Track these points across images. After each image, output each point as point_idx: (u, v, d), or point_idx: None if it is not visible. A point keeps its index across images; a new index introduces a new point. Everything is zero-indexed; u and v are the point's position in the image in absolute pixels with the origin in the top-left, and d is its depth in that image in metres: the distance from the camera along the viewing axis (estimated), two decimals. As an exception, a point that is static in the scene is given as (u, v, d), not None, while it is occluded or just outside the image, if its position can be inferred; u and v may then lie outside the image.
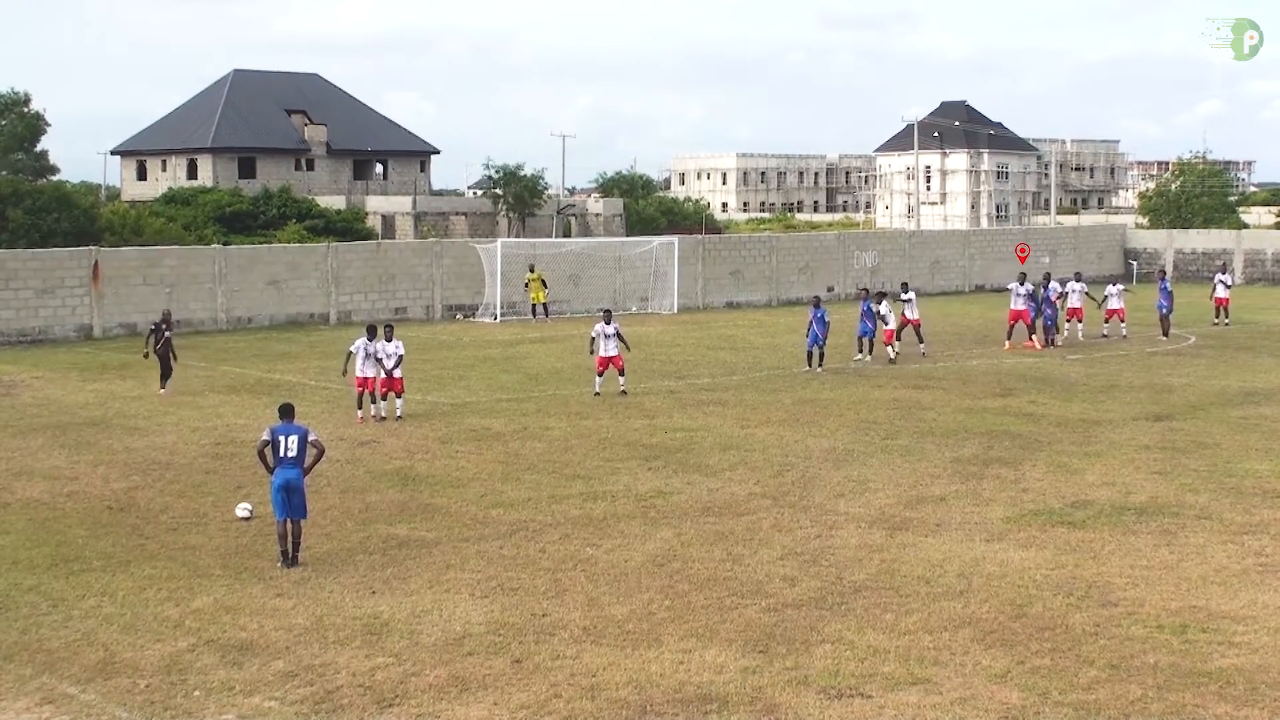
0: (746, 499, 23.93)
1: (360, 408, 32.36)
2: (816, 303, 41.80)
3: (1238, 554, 20.37)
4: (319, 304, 56.14)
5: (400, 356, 32.32)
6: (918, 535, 21.37)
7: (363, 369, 32.10)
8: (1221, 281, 53.56)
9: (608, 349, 35.57)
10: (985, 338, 49.03)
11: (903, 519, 22.43)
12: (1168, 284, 49.83)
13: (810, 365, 40.38)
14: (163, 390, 36.41)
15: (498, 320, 57.02)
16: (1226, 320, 53.51)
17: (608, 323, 35.94)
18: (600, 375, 35.85)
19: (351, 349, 32.48)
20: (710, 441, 29.20)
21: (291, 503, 19.87)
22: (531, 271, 57.79)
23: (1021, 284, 46.89)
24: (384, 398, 32.14)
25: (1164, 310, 48.98)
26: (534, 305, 57.62)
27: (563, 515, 22.80)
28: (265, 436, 20.22)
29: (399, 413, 32.07)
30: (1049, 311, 46.66)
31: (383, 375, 32.04)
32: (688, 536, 21.33)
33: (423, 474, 26.16)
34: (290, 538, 19.96)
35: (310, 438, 20.15)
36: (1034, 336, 46.21)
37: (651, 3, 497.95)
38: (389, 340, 32.35)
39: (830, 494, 24.30)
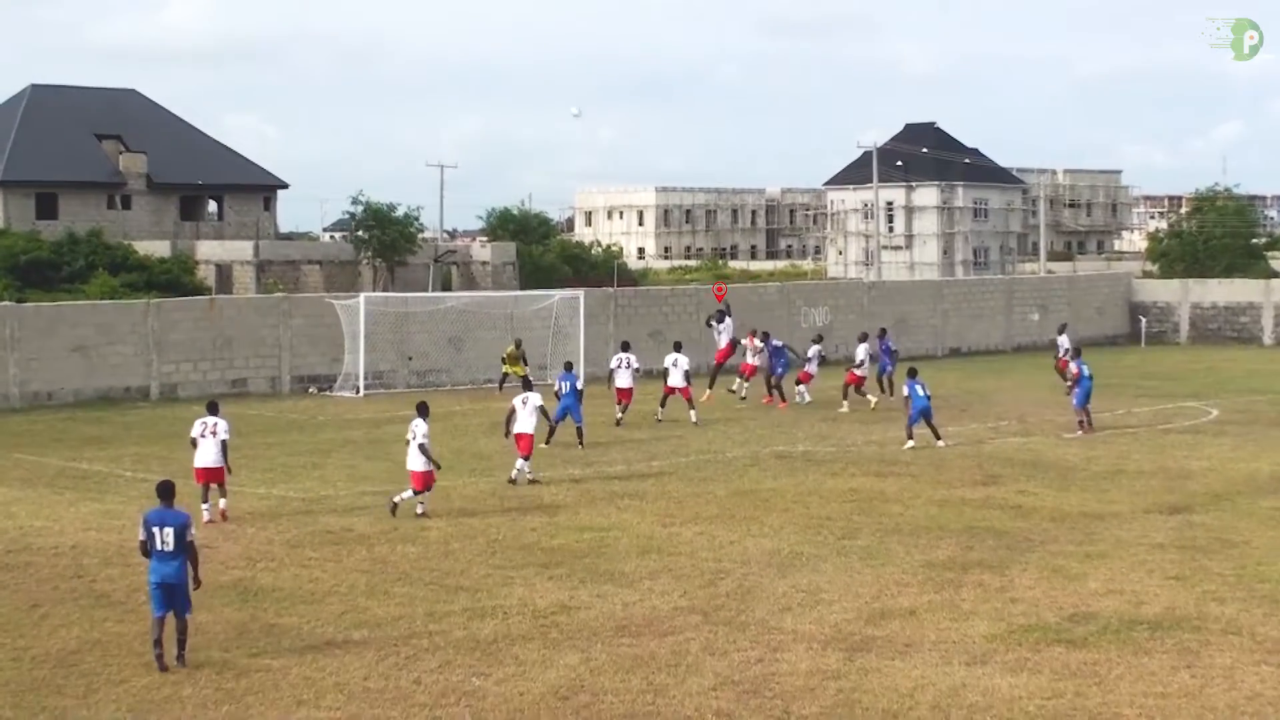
0: (671, 615, 23.89)
1: (206, 502, 32.00)
2: (569, 367, 43.68)
3: (1273, 678, 20.53)
4: (137, 375, 55.74)
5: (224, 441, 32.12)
6: (883, 658, 21.38)
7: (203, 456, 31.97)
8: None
9: (523, 423, 36.02)
10: (962, 414, 49.39)
11: (864, 638, 22.45)
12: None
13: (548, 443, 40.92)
14: None
15: (361, 394, 56.85)
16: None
17: (528, 387, 37.24)
18: (525, 458, 36.15)
19: (193, 434, 32.25)
20: (625, 543, 29.16)
21: (174, 601, 20.75)
22: (517, 348, 57.08)
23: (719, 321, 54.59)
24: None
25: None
26: (506, 374, 56.68)
27: (443, 637, 22.67)
28: (141, 534, 21.05)
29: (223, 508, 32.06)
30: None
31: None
32: (598, 662, 21.25)
33: (267, 587, 25.95)
34: (177, 634, 20.70)
35: (189, 535, 20.94)
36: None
37: (551, 5, 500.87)
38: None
39: (774, 608, 24.29)
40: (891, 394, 53.17)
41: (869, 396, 51.88)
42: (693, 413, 47.17)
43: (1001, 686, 20.08)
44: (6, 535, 30.37)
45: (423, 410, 32.77)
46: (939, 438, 41.50)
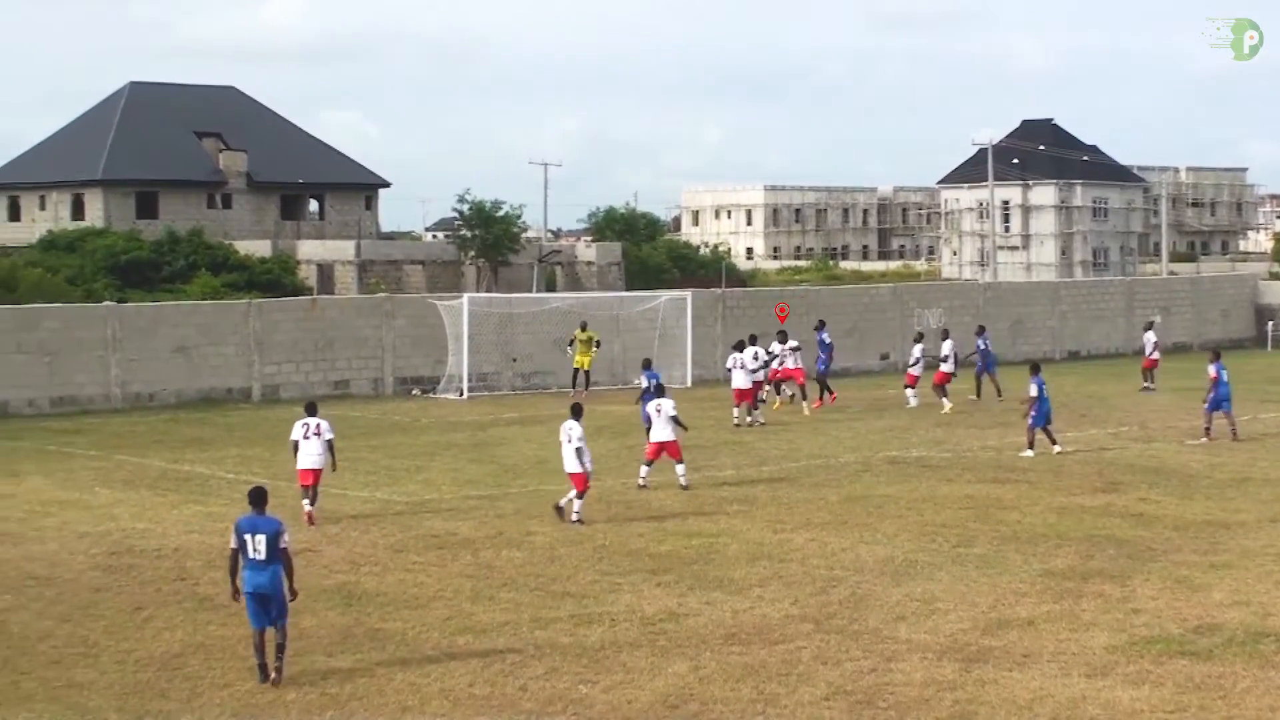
0: (781, 623, 23.90)
1: (312, 502, 32.39)
2: (647, 364, 44.15)
3: (1406, 692, 20.32)
4: (239, 376, 56.29)
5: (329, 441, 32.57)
6: (1000, 669, 21.31)
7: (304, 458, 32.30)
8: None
9: (661, 431, 35.99)
10: (1082, 419, 49.08)
11: (980, 648, 22.38)
12: None
13: None
14: None
15: (464, 396, 57.12)
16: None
17: (660, 394, 37.05)
18: (650, 463, 36.18)
19: (294, 436, 32.57)
20: (735, 550, 29.19)
21: (270, 611, 20.74)
22: (582, 330, 57.71)
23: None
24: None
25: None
26: (576, 371, 57.45)
27: (549, 643, 22.77)
28: (233, 542, 20.97)
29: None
30: None
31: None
32: (708, 671, 21.29)
33: (371, 592, 26.15)
34: (275, 645, 20.71)
35: (283, 542, 20.88)
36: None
37: (657, 1, 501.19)
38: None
39: (888, 616, 24.26)
40: (979, 396, 54.03)
41: (944, 400, 51.75)
42: (740, 413, 47.32)
43: (1123, 699, 19.97)
44: (110, 538, 30.75)
45: (577, 412, 32.80)
46: (1054, 443, 41.26)
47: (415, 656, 22.17)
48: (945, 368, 52.58)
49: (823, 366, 54.34)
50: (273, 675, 20.64)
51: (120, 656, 22.23)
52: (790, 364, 52.99)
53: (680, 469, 36.18)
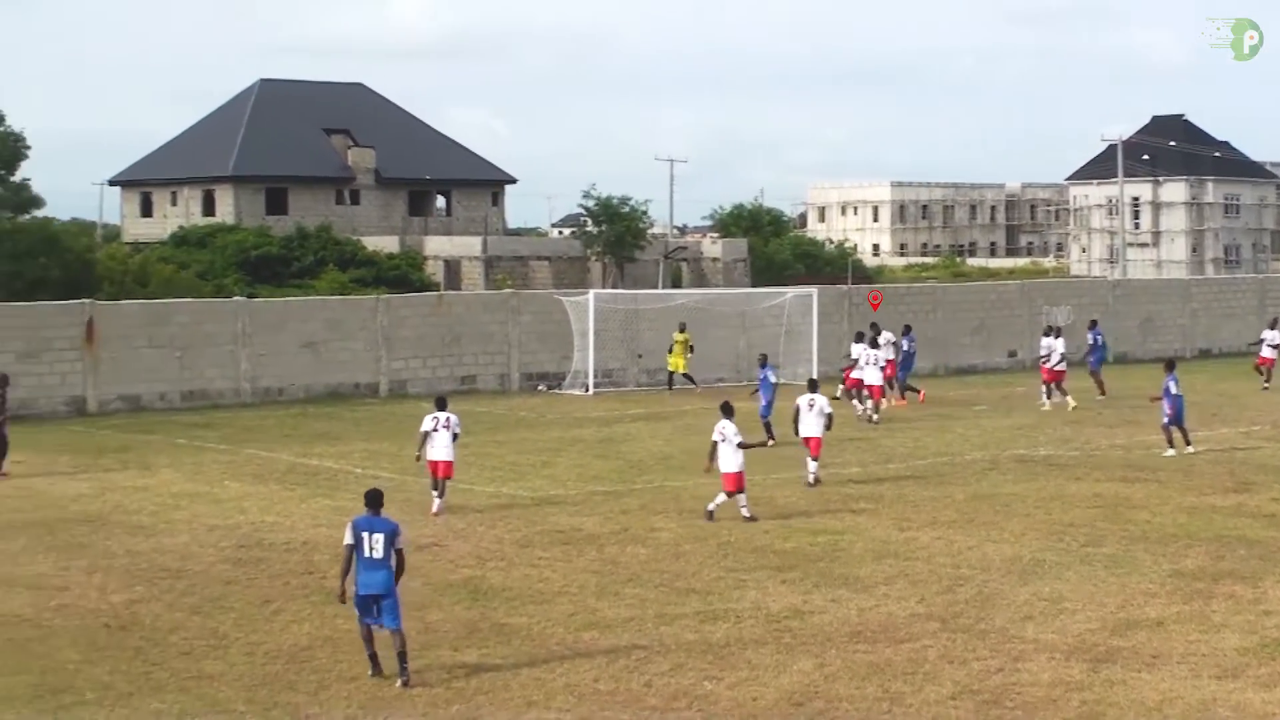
0: (907, 621, 23.83)
1: (440, 496, 32.96)
2: (763, 361, 44.14)
3: None
4: (366, 371, 56.67)
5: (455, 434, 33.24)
6: (1128, 670, 21.15)
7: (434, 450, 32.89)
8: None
9: (811, 426, 35.96)
10: (1213, 418, 48.56)
11: (1109, 649, 22.21)
12: None
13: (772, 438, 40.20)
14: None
15: (590, 392, 57.26)
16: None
17: (813, 391, 36.87)
18: (815, 459, 36.17)
19: (424, 428, 33.14)
20: (861, 547, 29.12)
21: (380, 613, 20.75)
22: (680, 332, 57.76)
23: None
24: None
25: None
26: (672, 374, 57.55)
27: (674, 640, 22.80)
28: (348, 538, 21.04)
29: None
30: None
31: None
32: (833, 669, 21.26)
33: (497, 586, 26.28)
34: (395, 651, 20.69)
35: (399, 541, 20.99)
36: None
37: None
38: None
39: (1015, 616, 24.13)
40: (1102, 391, 53.61)
41: (1067, 398, 51.36)
42: (871, 410, 47.32)
43: (1254, 702, 19.77)
44: (239, 531, 31.07)
45: (728, 410, 32.71)
46: (1188, 443, 40.83)
47: (540, 652, 22.26)
48: (1058, 366, 52.17)
49: (1096, 362, 54.74)
50: (400, 681, 20.55)
51: (249, 649, 22.47)
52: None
53: (814, 465, 36.13)
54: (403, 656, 20.73)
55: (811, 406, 36.08)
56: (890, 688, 20.37)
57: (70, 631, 23.55)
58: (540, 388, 58.79)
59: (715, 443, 32.00)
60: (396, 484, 36.31)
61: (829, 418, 36.25)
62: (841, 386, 51.82)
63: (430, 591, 25.90)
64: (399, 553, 20.99)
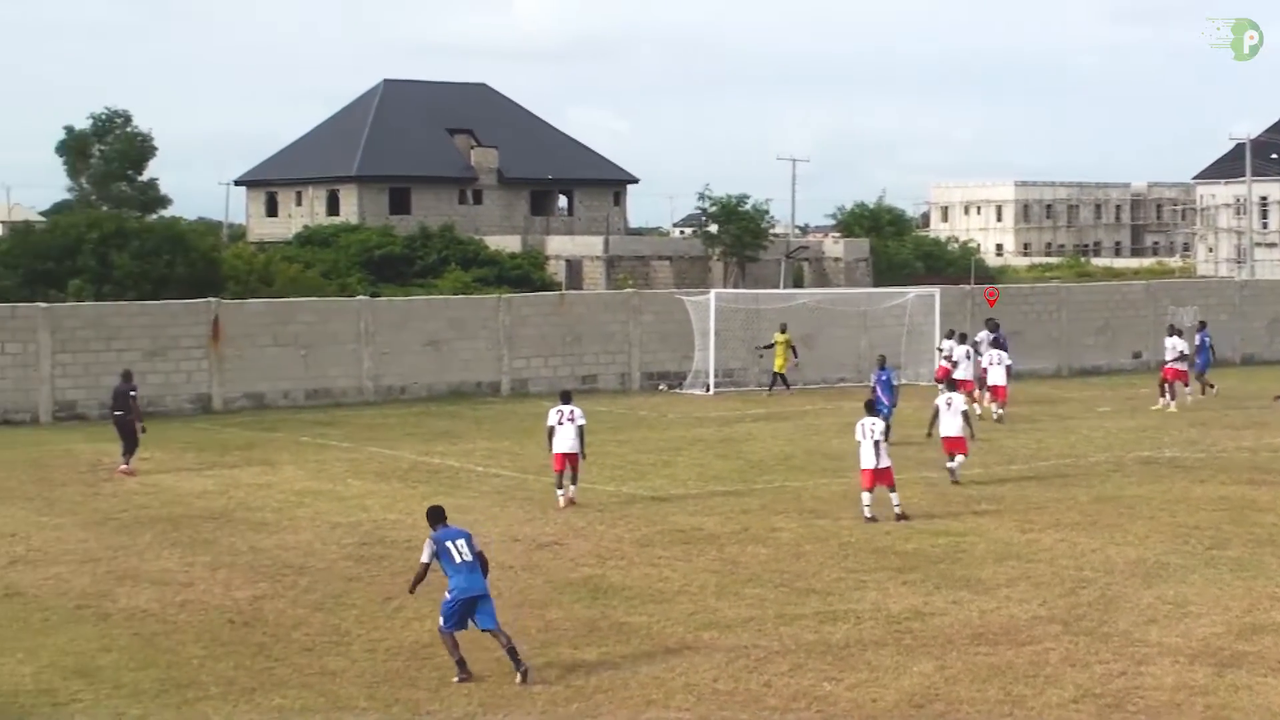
0: (1029, 623, 23.67)
1: (561, 488, 33.52)
2: (881, 363, 43.57)
3: None
4: (488, 370, 56.92)
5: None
6: (1254, 675, 20.92)
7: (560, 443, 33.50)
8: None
9: (950, 426, 35.97)
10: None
11: (1234, 653, 21.98)
12: None
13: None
14: (120, 467, 38.66)
15: (710, 392, 57.25)
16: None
17: (953, 389, 37.30)
18: (952, 456, 36.21)
19: (550, 421, 33.70)
20: (982, 549, 28.95)
21: (484, 612, 20.85)
22: (781, 332, 57.68)
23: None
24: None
25: None
26: (775, 374, 57.49)
27: (793, 640, 22.77)
28: (425, 556, 21.23)
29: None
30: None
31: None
32: (954, 671, 21.15)
33: (617, 585, 26.33)
34: (505, 650, 20.79)
35: (478, 544, 21.23)
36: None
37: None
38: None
39: (1138, 619, 23.92)
40: (1204, 393, 53.19)
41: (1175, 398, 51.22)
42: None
43: (1382, 708, 19.52)
44: (361, 528, 31.29)
45: (871, 408, 33.22)
46: None
47: (660, 651, 22.27)
48: (1179, 364, 51.81)
49: (1202, 365, 54.41)
50: (519, 677, 20.60)
51: (370, 645, 22.61)
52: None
53: (959, 460, 36.19)
54: (513, 652, 20.77)
55: (949, 406, 36.08)
56: (1011, 690, 20.25)
57: (195, 627, 23.80)
58: (661, 387, 58.84)
59: (859, 441, 32.19)
60: (517, 483, 36.56)
61: (965, 415, 36.20)
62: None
63: (550, 590, 25.99)
64: (481, 554, 21.19)
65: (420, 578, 21.50)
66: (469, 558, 20.88)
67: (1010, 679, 20.72)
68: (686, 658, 21.89)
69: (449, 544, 20.95)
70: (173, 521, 32.16)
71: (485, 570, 21.26)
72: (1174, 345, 51.30)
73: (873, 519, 31.39)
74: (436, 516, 21.51)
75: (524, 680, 20.58)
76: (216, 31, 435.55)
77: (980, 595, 25.44)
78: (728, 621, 23.85)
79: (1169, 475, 37.59)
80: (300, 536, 30.53)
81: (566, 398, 34.49)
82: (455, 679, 20.67)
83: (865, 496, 31.84)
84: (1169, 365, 51.37)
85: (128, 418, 38.75)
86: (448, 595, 20.92)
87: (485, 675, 20.96)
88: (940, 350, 53.27)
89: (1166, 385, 51.18)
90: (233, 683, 20.86)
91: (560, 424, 33.35)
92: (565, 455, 33.43)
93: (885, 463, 31.83)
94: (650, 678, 20.90)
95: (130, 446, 38.67)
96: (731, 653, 22.10)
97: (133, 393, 39.29)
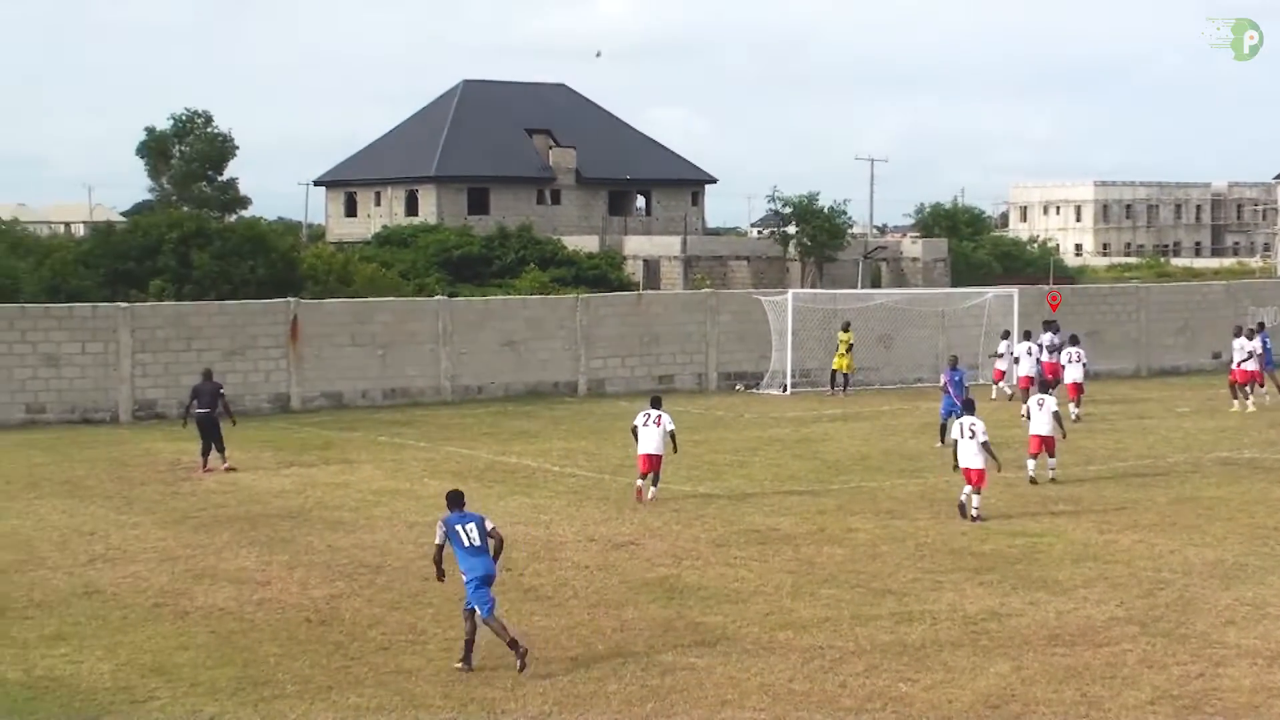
0: (1106, 625, 23.56)
1: (655, 484, 34.29)
2: (954, 363, 43.59)
3: None
4: (565, 370, 57.00)
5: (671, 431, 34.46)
6: (1334, 677, 20.77)
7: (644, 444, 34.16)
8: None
9: (1040, 425, 36.06)
10: None
11: (1313, 655, 21.83)
12: None
13: (943, 441, 40.78)
14: (222, 466, 39.04)
15: (788, 392, 57.18)
16: None
17: (1045, 391, 37.30)
18: (1034, 457, 36.33)
19: (636, 423, 34.42)
20: (1060, 550, 28.83)
21: (477, 594, 21.43)
22: (844, 331, 57.58)
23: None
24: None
25: None
26: (834, 373, 57.41)
27: (869, 641, 22.72)
28: (438, 538, 21.97)
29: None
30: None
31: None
32: (1030, 672, 21.07)
33: (692, 585, 26.32)
34: (508, 642, 21.29)
35: (488, 525, 21.81)
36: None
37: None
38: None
39: (1217, 620, 23.77)
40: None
41: (1251, 397, 50.92)
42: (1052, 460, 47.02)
43: None
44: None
45: (970, 407, 33.67)
46: None
47: (735, 650, 22.26)
48: (1249, 365, 51.47)
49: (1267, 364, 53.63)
50: (519, 662, 21.14)
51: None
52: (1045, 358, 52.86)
53: (1052, 462, 36.37)
54: (515, 646, 21.24)
55: (1041, 406, 36.10)
56: (1088, 692, 20.15)
57: (271, 625, 23.93)
58: (738, 387, 58.80)
59: (955, 440, 32.49)
60: (593, 482, 36.60)
61: (1056, 415, 36.34)
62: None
63: (626, 590, 26.01)
64: (494, 532, 21.79)
65: (437, 560, 22.15)
66: (478, 542, 21.47)
67: (1087, 680, 20.63)
68: (762, 658, 21.87)
69: (459, 528, 21.57)
70: (250, 520, 32.34)
71: (499, 553, 21.91)
72: (1241, 346, 51.01)
73: (979, 518, 31.51)
74: (455, 500, 22.14)
75: (523, 665, 21.14)
76: (298, 32, 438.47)
77: (1057, 596, 25.32)
78: (803, 622, 23.82)
79: (1248, 476, 37.34)
80: (377, 536, 30.65)
81: (656, 403, 35.00)
82: (518, 666, 21.12)
83: (969, 493, 32.01)
84: (1238, 367, 51.07)
85: (216, 415, 39.04)
86: (466, 579, 21.46)
87: (557, 673, 21.01)
88: (997, 354, 54.06)
89: (1237, 387, 50.89)
90: (309, 681, 20.96)
91: (645, 425, 33.93)
92: (649, 456, 33.94)
93: (979, 464, 31.85)
94: (725, 678, 20.90)
95: (221, 445, 38.95)
96: (807, 653, 22.07)
97: (222, 390, 39.77)
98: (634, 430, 34.32)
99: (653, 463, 34.00)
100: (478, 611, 21.37)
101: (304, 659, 22.00)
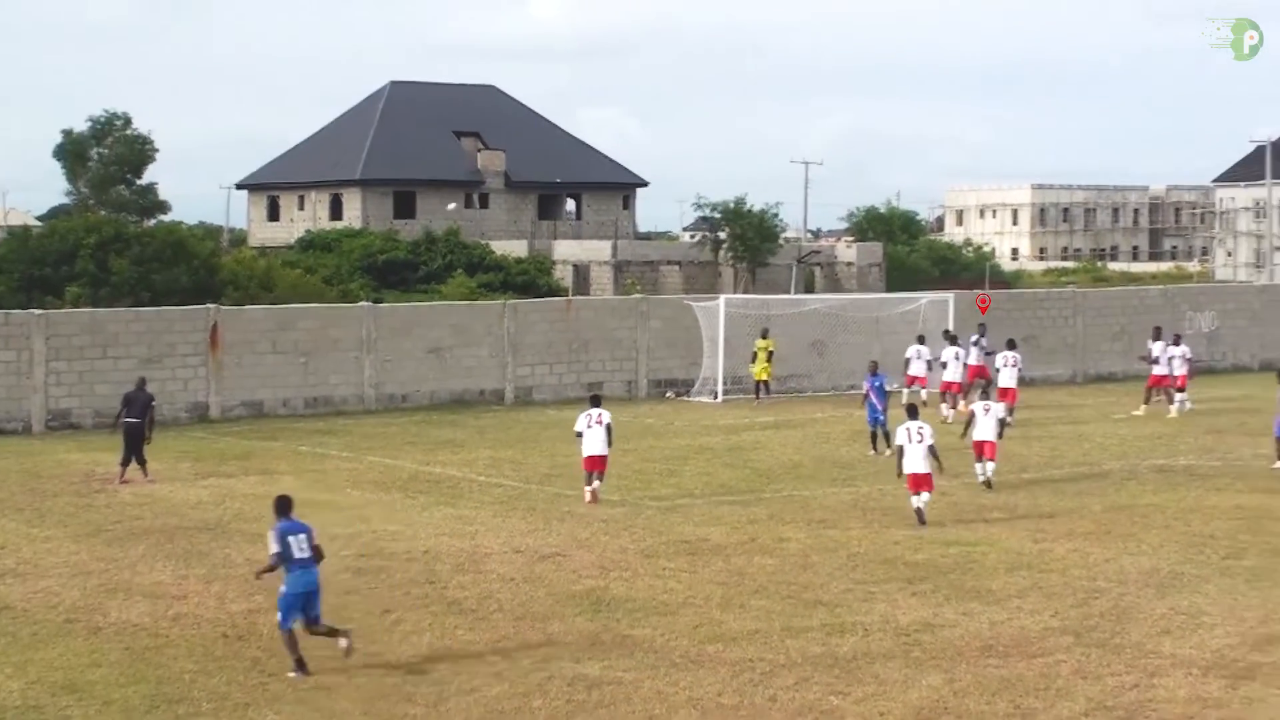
0: (1040, 635, 23.62)
1: (589, 484, 35.08)
2: (874, 369, 43.24)
3: None
4: (492, 378, 56.82)
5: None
6: (1269, 687, 20.88)
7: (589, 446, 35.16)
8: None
9: (986, 430, 36.66)
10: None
11: (1249, 665, 21.94)
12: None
13: (875, 449, 41.62)
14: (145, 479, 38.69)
15: (719, 400, 57.17)
16: None
17: (985, 396, 38.68)
18: (980, 461, 36.89)
19: (578, 427, 35.34)
20: (994, 559, 28.90)
21: (312, 608, 21.82)
22: (762, 338, 57.60)
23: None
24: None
25: None
26: (759, 383, 57.30)
27: (800, 653, 22.72)
28: (274, 545, 22.06)
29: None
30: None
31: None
32: (963, 684, 21.10)
33: (620, 597, 26.27)
34: (328, 630, 21.91)
35: (316, 539, 22.16)
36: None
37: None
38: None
39: (1152, 630, 23.88)
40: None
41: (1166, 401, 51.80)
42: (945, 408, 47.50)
43: (1401, 721, 19.44)
44: (360, 539, 31.21)
45: (913, 412, 33.88)
46: None
47: (663, 664, 22.23)
48: (1158, 370, 52.13)
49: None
50: (344, 645, 21.84)
51: (368, 659, 22.53)
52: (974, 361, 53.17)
53: (991, 467, 36.81)
54: (333, 630, 21.90)
55: (988, 412, 36.70)
56: (1022, 704, 20.20)
57: (187, 641, 23.75)
58: (668, 395, 58.76)
59: (900, 446, 32.72)
60: (519, 492, 36.54)
61: (1002, 421, 37.15)
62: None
63: (552, 602, 25.94)
64: (318, 548, 22.08)
65: (272, 569, 22.33)
66: (307, 553, 21.71)
67: (1021, 692, 20.68)
68: (691, 671, 21.84)
69: (290, 538, 21.78)
70: (167, 533, 32.10)
71: (320, 558, 22.20)
72: (1162, 350, 52.09)
73: (924, 521, 32.03)
74: (284, 508, 22.29)
75: (348, 652, 21.77)
76: (220, 32, 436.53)
77: (991, 606, 25.39)
78: (733, 634, 23.81)
79: (1184, 483, 37.55)
80: (298, 548, 30.44)
81: (596, 401, 36.16)
82: (292, 674, 21.51)
83: (915, 498, 32.39)
84: (1161, 373, 52.11)
85: (141, 426, 38.75)
86: (283, 590, 21.75)
87: (481, 688, 20.93)
88: (908, 359, 53.63)
89: (1150, 392, 51.84)
90: (225, 698, 20.81)
91: (589, 427, 34.89)
92: (595, 457, 34.99)
93: (926, 469, 32.19)
94: (654, 691, 20.86)
95: (143, 458, 38.66)
96: (736, 666, 22.05)
97: (154, 403, 39.58)
98: (579, 434, 35.17)
99: (598, 463, 34.93)
100: (282, 622, 21.88)
101: (220, 675, 21.84)
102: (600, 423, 34.95)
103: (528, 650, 22.93)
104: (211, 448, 45.04)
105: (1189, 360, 53.22)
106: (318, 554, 22.05)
